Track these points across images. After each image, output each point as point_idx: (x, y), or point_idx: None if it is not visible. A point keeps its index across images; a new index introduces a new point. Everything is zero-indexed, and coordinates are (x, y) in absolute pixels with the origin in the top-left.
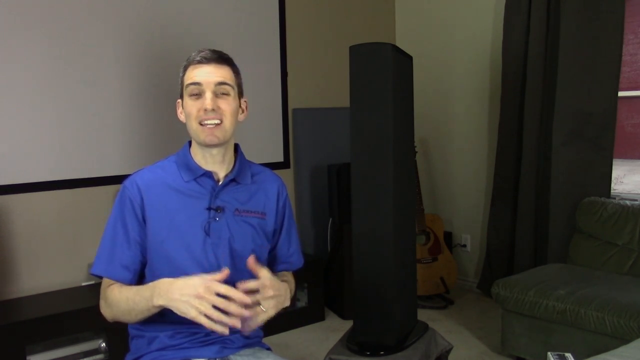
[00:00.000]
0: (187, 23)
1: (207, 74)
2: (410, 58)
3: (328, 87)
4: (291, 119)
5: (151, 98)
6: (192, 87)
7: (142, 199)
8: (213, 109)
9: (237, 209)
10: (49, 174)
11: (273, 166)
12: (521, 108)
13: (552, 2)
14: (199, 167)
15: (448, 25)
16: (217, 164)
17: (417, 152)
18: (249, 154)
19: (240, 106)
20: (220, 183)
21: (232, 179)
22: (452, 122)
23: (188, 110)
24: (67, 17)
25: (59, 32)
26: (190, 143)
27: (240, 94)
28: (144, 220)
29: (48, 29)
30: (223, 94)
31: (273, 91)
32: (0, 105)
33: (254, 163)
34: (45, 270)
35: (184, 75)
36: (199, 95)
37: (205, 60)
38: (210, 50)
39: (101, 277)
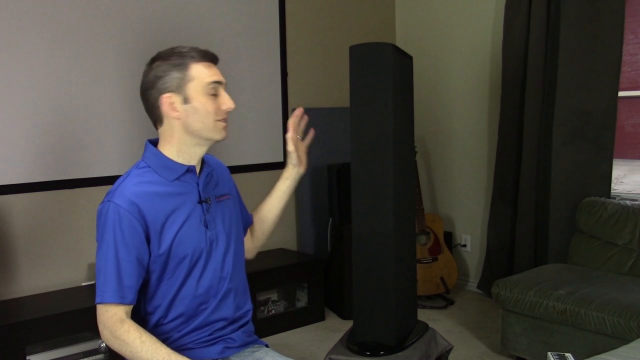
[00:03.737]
0: (187, 23)
1: (219, 74)
2: (410, 58)
3: (328, 87)
4: None
5: None
6: (214, 85)
7: (140, 213)
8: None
9: (216, 196)
10: (49, 174)
11: (273, 166)
12: (521, 108)
13: (552, 2)
14: (180, 165)
15: (448, 25)
16: (198, 160)
17: (417, 152)
18: (249, 154)
19: None
20: (200, 176)
21: (210, 171)
22: (452, 122)
23: (206, 108)
24: (67, 17)
25: (58, 32)
26: (154, 143)
27: None
28: (148, 234)
29: (48, 29)
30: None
31: (273, 91)
32: (0, 105)
33: None
34: (45, 270)
35: (186, 70)
36: (215, 94)
37: (215, 60)
38: (204, 49)
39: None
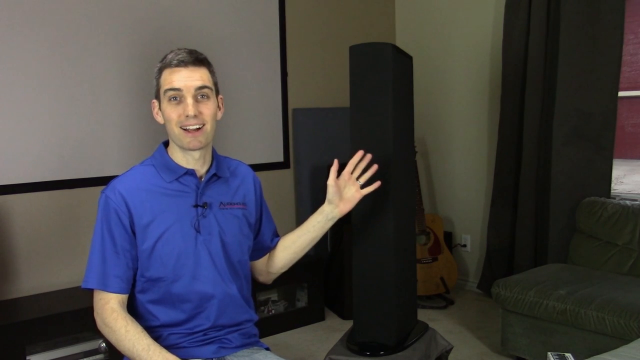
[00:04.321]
0: (187, 23)
1: (187, 79)
2: (410, 58)
3: (328, 87)
4: (291, 119)
5: (151, 98)
6: (171, 92)
7: (127, 206)
8: (195, 115)
9: (221, 203)
10: (49, 174)
11: (273, 166)
12: (521, 108)
13: (552, 2)
14: (180, 167)
15: (448, 25)
16: (199, 164)
17: (417, 152)
18: (249, 154)
19: (217, 104)
20: (202, 179)
21: (214, 174)
22: (452, 122)
23: (168, 115)
24: (66, 17)
25: (59, 32)
26: (165, 144)
27: (217, 92)
28: (132, 228)
29: (48, 29)
30: (203, 97)
31: (273, 91)
32: (0, 105)
33: (226, 157)
34: (45, 270)
35: (159, 77)
36: (178, 100)
37: (183, 64)
38: (186, 51)
39: (91, 290)
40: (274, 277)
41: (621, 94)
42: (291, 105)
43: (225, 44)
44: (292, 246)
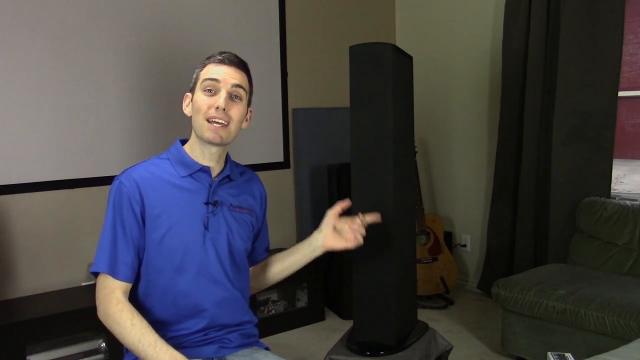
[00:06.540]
0: (187, 23)
1: (226, 74)
2: (410, 58)
3: (328, 87)
4: (291, 119)
5: (151, 98)
6: (208, 82)
7: (140, 194)
8: (224, 108)
9: (231, 205)
10: (49, 174)
11: (273, 166)
12: (521, 108)
13: (552, 2)
14: (196, 163)
15: (448, 25)
16: (214, 161)
17: (417, 152)
18: (249, 154)
19: (246, 113)
20: (215, 179)
21: (227, 176)
22: (452, 122)
23: (198, 104)
24: (67, 17)
25: (58, 33)
26: (182, 141)
27: (249, 103)
28: (143, 217)
29: (48, 29)
30: (236, 97)
31: (273, 91)
32: (0, 105)
33: (238, 164)
34: (45, 270)
35: (201, 70)
36: (213, 92)
37: (228, 61)
38: (234, 54)
39: (96, 275)
40: (253, 291)
41: (621, 94)
42: (291, 105)
43: (225, 44)
44: (277, 276)
